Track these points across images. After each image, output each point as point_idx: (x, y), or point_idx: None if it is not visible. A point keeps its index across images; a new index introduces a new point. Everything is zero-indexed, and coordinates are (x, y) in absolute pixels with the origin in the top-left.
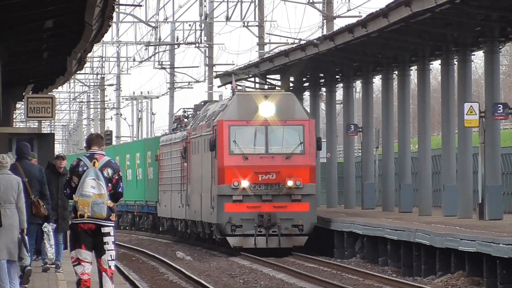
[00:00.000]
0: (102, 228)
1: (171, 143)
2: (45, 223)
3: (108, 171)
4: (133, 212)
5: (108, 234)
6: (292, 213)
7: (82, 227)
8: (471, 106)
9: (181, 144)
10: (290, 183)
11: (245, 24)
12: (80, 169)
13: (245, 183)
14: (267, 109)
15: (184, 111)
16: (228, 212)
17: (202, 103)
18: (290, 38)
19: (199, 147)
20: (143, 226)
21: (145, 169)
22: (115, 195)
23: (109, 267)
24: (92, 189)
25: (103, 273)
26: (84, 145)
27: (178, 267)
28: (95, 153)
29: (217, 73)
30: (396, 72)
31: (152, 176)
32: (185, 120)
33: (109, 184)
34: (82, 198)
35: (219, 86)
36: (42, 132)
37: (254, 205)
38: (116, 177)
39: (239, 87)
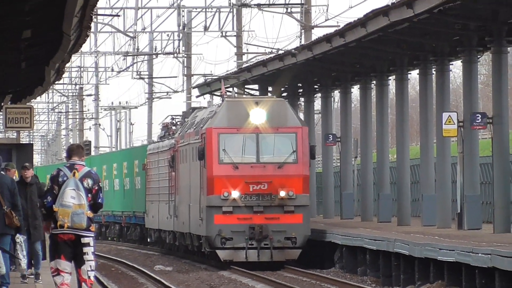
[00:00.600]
0: (82, 239)
1: (159, 152)
2: (18, 234)
3: (88, 182)
4: (121, 223)
5: (87, 244)
6: (284, 225)
7: (61, 237)
8: (449, 115)
9: (168, 153)
10: (282, 193)
11: (223, 34)
12: (60, 179)
13: (235, 194)
14: (258, 116)
15: (172, 118)
16: (218, 224)
17: (191, 110)
18: (268, 48)
19: (187, 155)
20: (130, 237)
21: (133, 179)
22: (95, 206)
23: (89, 277)
24: (72, 199)
25: (83, 283)
26: (65, 155)
27: (157, 277)
28: (75, 164)
29: (207, 78)
30: (374, 81)
31: (139, 186)
32: (173, 127)
33: (89, 195)
34: (62, 208)
35: (197, 96)
36: (21, 142)
37: (245, 217)
38: (96, 188)
39: (228, 93)
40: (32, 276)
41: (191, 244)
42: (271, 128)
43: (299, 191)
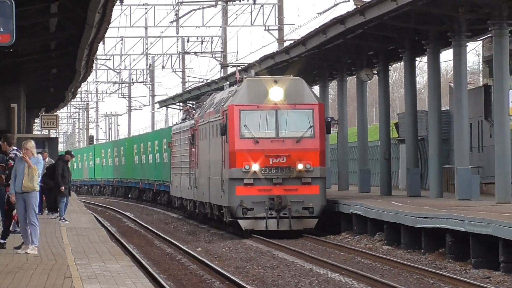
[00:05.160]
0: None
1: (181, 131)
2: None
3: None
4: (153, 190)
5: None
6: (302, 196)
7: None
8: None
9: (189, 132)
10: (300, 166)
11: (174, 70)
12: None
13: (256, 167)
14: (276, 93)
15: (193, 104)
16: (240, 195)
17: (207, 95)
18: (201, 78)
19: (206, 133)
20: (161, 201)
21: (162, 154)
22: None
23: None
24: None
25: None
26: (5, 142)
27: (133, 218)
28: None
29: (168, 97)
30: (318, 83)
31: (167, 160)
32: (193, 111)
33: None
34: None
35: (158, 108)
36: (50, 137)
37: (265, 188)
38: None
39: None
40: (58, 218)
41: (210, 213)
42: (289, 105)
43: (316, 164)
